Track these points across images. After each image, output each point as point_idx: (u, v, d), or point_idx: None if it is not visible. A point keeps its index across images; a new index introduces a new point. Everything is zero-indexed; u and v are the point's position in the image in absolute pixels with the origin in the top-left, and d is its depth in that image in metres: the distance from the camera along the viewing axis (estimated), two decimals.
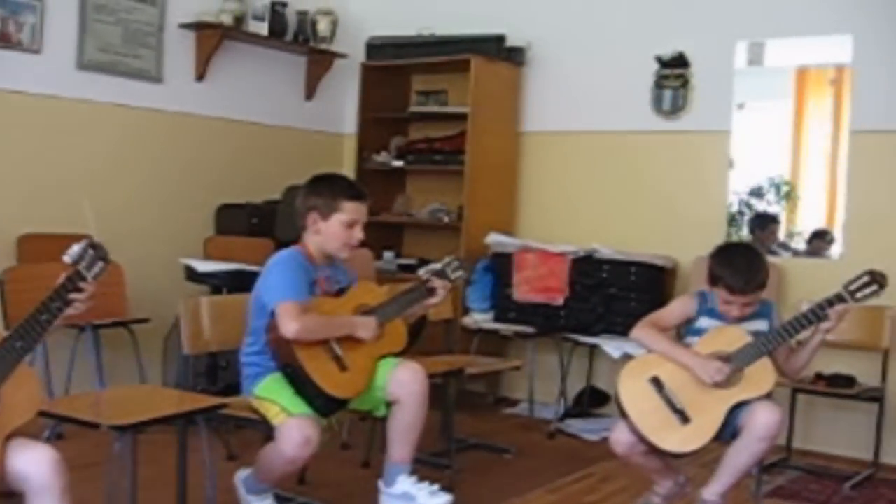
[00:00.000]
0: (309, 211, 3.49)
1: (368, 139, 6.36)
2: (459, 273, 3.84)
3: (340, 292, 3.56)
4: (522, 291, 5.51)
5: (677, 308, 3.73)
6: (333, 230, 3.47)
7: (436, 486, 3.58)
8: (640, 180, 5.69)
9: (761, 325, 3.59)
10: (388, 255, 6.25)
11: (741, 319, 3.55)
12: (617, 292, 5.30)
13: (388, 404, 3.54)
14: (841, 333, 4.21)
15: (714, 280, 3.55)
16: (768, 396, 3.47)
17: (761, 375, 3.45)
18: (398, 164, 6.26)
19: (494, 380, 6.03)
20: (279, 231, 5.41)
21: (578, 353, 5.54)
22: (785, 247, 5.66)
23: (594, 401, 5.67)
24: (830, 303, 3.44)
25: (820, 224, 5.42)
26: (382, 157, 6.30)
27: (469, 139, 5.79)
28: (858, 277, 3.46)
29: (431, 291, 3.71)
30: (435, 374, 4.09)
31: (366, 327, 3.43)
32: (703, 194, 5.48)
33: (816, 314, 3.45)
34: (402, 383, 3.48)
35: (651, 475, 3.73)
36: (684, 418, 3.44)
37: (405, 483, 3.56)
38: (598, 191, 5.83)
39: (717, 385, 3.43)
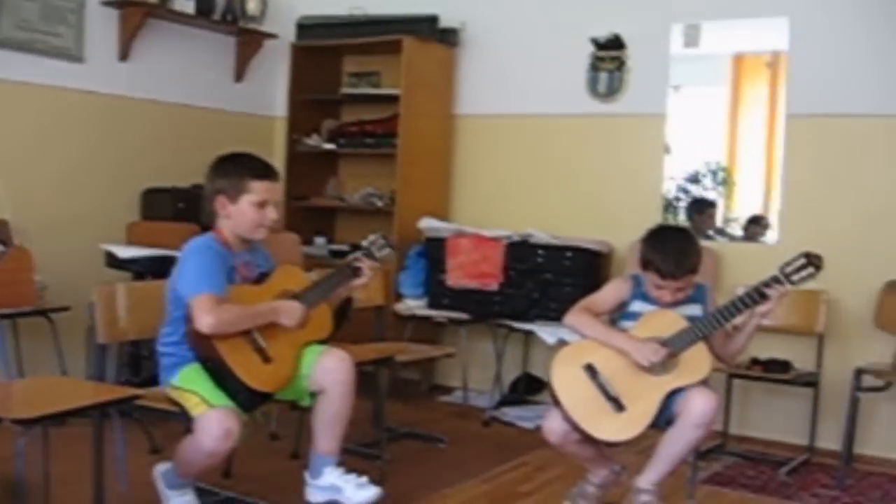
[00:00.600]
0: (216, 194, 3.32)
1: (299, 122, 6.18)
2: (386, 251, 3.70)
3: (261, 278, 3.41)
4: (456, 277, 5.39)
5: (611, 292, 3.65)
6: (244, 212, 3.30)
7: (364, 479, 3.45)
8: (576, 164, 5.60)
9: (695, 309, 3.52)
10: (319, 240, 6.09)
11: (675, 304, 3.48)
12: (552, 277, 5.21)
13: (314, 394, 3.40)
14: (776, 318, 4.20)
15: (645, 264, 3.47)
16: (704, 382, 3.41)
17: (696, 361, 3.39)
18: (329, 147, 6.09)
19: (428, 367, 5.91)
20: (205, 216, 5.19)
21: (513, 340, 5.46)
22: (722, 232, 5.62)
23: (530, 388, 5.59)
24: (766, 286, 3.38)
25: (757, 210, 5.37)
26: (313, 141, 6.13)
27: (402, 122, 5.65)
28: (794, 260, 3.41)
29: (357, 271, 3.57)
30: (364, 362, 3.97)
31: (289, 313, 3.28)
32: (639, 178, 5.42)
33: (752, 298, 3.38)
34: (328, 372, 3.34)
35: (585, 464, 3.65)
36: (619, 406, 3.35)
37: (332, 475, 3.43)
38: (534, 175, 5.73)
39: (652, 371, 3.36)
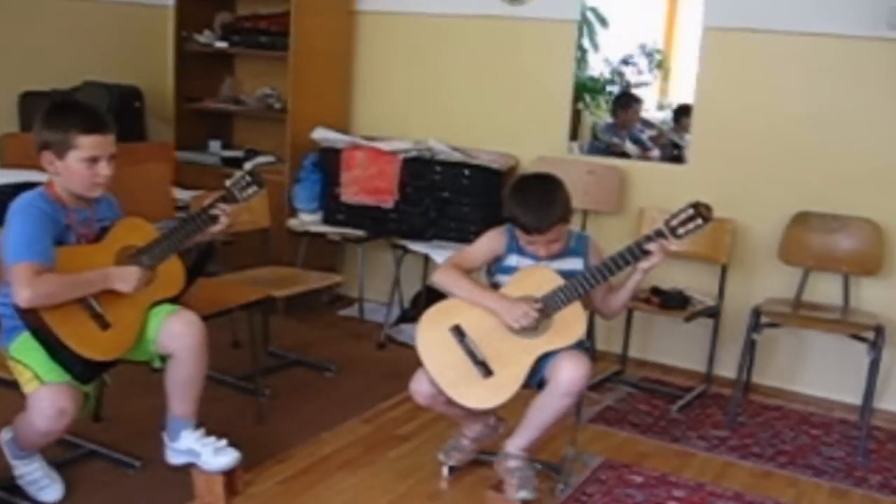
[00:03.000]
0: (43, 149, 2.99)
1: (189, 14, 5.72)
2: (251, 190, 3.37)
3: (103, 234, 3.12)
4: (351, 192, 5.11)
5: (485, 245, 3.42)
6: (73, 169, 2.98)
7: (223, 442, 3.25)
8: (484, 70, 5.26)
9: (575, 263, 3.31)
10: (214, 144, 5.75)
11: (553, 257, 3.27)
12: (450, 196, 4.95)
13: (164, 357, 3.18)
14: (681, 245, 3.97)
15: (510, 219, 3.24)
16: (578, 346, 3.23)
17: (570, 323, 3.20)
18: (222, 45, 5.67)
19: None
20: None
21: (413, 255, 5.24)
22: (647, 124, 5.36)
23: (430, 302, 5.37)
24: (649, 239, 3.16)
25: (690, 98, 4.92)
26: (205, 37, 5.70)
27: (294, 18, 5.19)
28: (681, 211, 3.18)
29: (213, 219, 3.29)
30: (230, 308, 3.76)
31: (124, 278, 3.00)
32: (548, 88, 5.10)
33: (633, 254, 3.18)
34: (174, 336, 3.10)
35: (459, 420, 3.50)
36: (487, 371, 3.18)
37: (189, 438, 3.24)
38: (439, 81, 5.39)
39: (524, 333, 3.17)
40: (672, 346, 4.90)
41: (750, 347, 4.28)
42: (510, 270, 3.32)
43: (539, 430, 3.24)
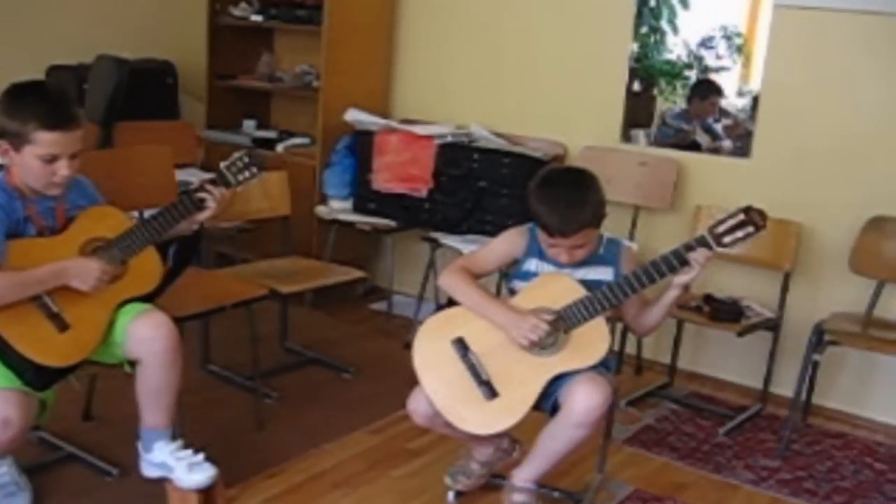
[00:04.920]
0: (0, 136, 2.69)
1: None
2: (247, 173, 3.03)
3: (69, 224, 2.82)
4: (383, 179, 4.75)
5: (500, 246, 3.04)
6: (29, 165, 2.66)
7: (199, 457, 2.94)
8: (535, 51, 4.83)
9: (604, 272, 2.90)
10: (248, 124, 5.45)
11: (578, 265, 2.86)
12: (487, 186, 4.55)
13: (133, 363, 2.87)
14: (741, 247, 3.51)
15: (533, 217, 2.84)
16: (602, 366, 2.82)
17: (591, 342, 2.80)
18: (257, 18, 5.34)
19: (366, 269, 5.36)
20: (88, 110, 4.55)
21: (448, 248, 4.85)
22: (722, 112, 4.87)
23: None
24: (689, 248, 2.73)
25: None
26: (241, 10, 5.39)
27: None
28: (730, 216, 2.73)
29: (201, 203, 2.96)
30: (208, 310, 3.42)
31: (81, 274, 2.69)
32: (603, 71, 4.65)
33: (670, 264, 2.74)
34: (141, 341, 2.79)
35: (465, 442, 3.13)
36: (491, 392, 2.80)
37: (163, 451, 2.93)
38: (487, 61, 4.97)
39: (536, 350, 2.78)
40: (727, 359, 4.43)
41: (811, 367, 3.81)
42: (528, 276, 2.93)
43: (549, 461, 2.86)
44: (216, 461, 2.95)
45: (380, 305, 5.21)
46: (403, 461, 3.48)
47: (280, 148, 5.17)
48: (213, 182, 2.99)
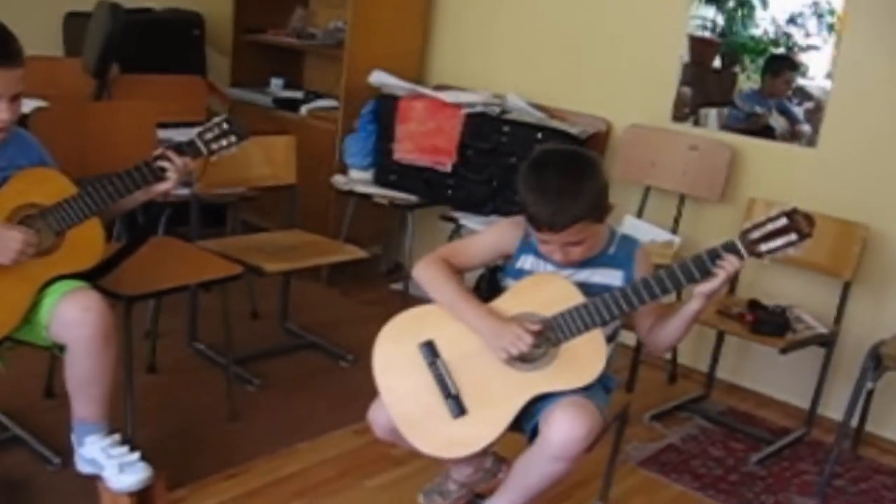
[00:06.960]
0: None
1: None
2: (225, 141, 2.69)
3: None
4: (405, 150, 4.33)
5: (490, 238, 2.60)
6: None
7: (134, 456, 2.60)
8: (584, 17, 4.35)
9: (612, 276, 2.45)
10: (276, 82, 5.07)
11: (579, 265, 2.42)
12: (517, 163, 4.08)
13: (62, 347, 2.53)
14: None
15: (522, 206, 2.39)
16: (587, 389, 2.37)
17: (583, 359, 2.35)
18: None
19: (389, 244, 4.99)
20: (84, 57, 4.22)
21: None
22: (805, 95, 4.33)
23: (495, 289, 4.58)
24: (716, 255, 2.26)
25: None
26: None
27: None
28: (769, 220, 2.23)
29: (160, 174, 2.60)
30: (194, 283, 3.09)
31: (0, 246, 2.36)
32: (657, 43, 4.16)
33: (689, 273, 2.27)
34: (66, 325, 2.45)
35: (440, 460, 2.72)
36: (459, 408, 2.38)
37: (95, 447, 2.61)
38: (533, 26, 4.51)
39: (518, 364, 2.35)
40: (773, 373, 3.93)
41: (864, 394, 3.29)
42: (522, 275, 2.49)
43: (522, 496, 2.43)
44: (174, 454, 2.66)
45: (400, 286, 4.82)
46: (381, 469, 3.10)
47: (304, 110, 4.79)
48: (178, 149, 2.63)
